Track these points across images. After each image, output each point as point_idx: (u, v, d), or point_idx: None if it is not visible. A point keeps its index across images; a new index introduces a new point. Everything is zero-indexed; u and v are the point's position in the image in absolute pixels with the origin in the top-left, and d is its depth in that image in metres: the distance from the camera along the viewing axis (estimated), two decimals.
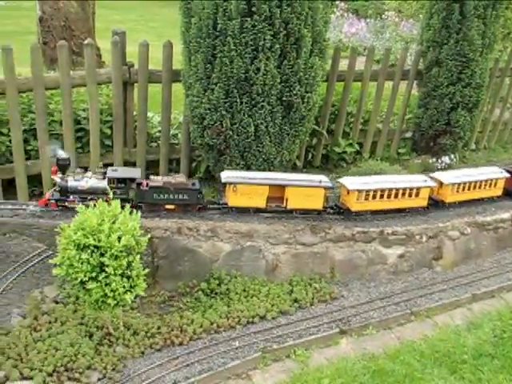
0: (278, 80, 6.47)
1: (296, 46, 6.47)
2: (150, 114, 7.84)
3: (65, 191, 5.94)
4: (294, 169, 7.97)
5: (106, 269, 4.67)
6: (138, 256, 4.86)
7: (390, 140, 9.28)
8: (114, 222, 4.77)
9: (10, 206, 6.11)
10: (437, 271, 6.88)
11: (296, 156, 7.55)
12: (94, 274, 4.70)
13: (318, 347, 5.59)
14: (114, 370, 4.93)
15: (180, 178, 6.14)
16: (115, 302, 4.81)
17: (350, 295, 6.27)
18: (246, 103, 6.51)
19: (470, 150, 10.11)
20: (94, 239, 4.65)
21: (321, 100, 7.75)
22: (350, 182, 6.60)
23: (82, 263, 4.66)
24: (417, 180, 6.90)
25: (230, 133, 6.58)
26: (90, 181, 5.97)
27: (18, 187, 6.90)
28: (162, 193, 6.01)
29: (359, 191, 6.47)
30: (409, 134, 9.40)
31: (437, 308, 6.25)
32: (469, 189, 7.29)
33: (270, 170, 6.82)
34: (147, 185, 6.01)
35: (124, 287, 4.78)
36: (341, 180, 6.74)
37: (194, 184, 6.14)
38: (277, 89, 6.50)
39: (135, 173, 6.10)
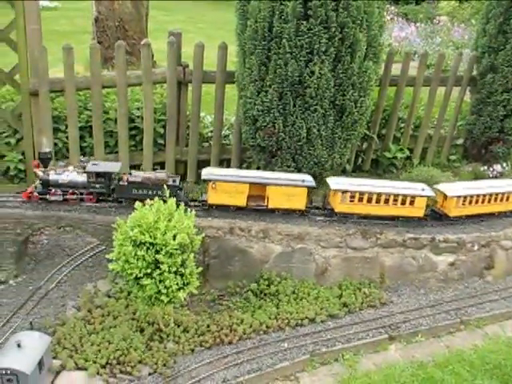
0: (332, 84, 6.46)
1: (351, 49, 6.44)
2: (201, 114, 7.92)
3: (46, 184, 6.06)
4: (344, 172, 7.94)
5: (161, 266, 4.74)
6: (192, 254, 4.93)
7: (441, 146, 9.16)
8: (169, 220, 4.85)
9: None
10: (488, 281, 6.76)
11: (346, 160, 7.52)
12: (148, 271, 4.78)
13: (366, 352, 5.57)
14: (164, 365, 5.00)
15: (160, 174, 6.15)
16: (168, 298, 4.88)
17: (400, 301, 6.22)
18: (299, 106, 6.52)
19: None
20: (150, 236, 4.73)
21: (373, 104, 7.71)
22: (335, 181, 6.40)
23: (137, 259, 4.75)
24: (414, 188, 6.50)
25: (282, 135, 6.60)
26: (70, 175, 6.08)
27: None
28: (140, 188, 6.04)
29: (343, 192, 6.27)
30: (460, 141, 9.27)
31: (487, 318, 6.16)
32: (477, 202, 6.73)
33: (320, 174, 6.81)
34: (127, 180, 6.07)
35: (177, 284, 4.84)
36: (327, 179, 6.53)
37: (174, 181, 6.14)
38: (330, 92, 6.49)
39: (114, 167, 6.14)
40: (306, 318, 5.71)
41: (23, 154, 7.19)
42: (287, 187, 6.15)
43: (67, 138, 7.26)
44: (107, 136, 7.45)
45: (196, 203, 6.29)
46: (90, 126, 7.30)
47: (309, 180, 6.25)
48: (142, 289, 4.89)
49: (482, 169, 8.85)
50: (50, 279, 6.08)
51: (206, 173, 6.16)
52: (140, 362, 4.99)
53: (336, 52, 6.38)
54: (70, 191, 6.04)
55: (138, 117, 7.53)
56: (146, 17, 11.93)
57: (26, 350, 4.51)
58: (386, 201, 6.34)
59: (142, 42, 7.12)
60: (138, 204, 4.97)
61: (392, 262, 6.34)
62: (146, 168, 7.29)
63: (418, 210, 6.48)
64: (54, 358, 4.91)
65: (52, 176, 6.03)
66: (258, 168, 7.29)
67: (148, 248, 4.75)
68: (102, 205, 6.09)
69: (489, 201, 6.81)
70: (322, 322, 5.74)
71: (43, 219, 5.91)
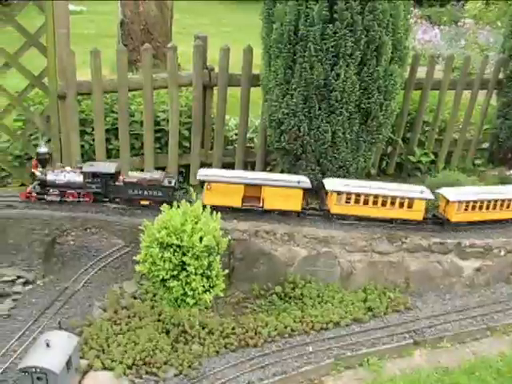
0: (357, 87, 6.44)
1: (376, 53, 6.42)
2: (226, 117, 7.96)
3: (44, 185, 6.13)
4: (368, 176, 7.92)
5: (187, 268, 4.78)
6: (218, 257, 4.96)
7: (466, 150, 9.08)
8: (196, 223, 4.88)
9: None
10: None
11: (371, 163, 7.50)
12: (175, 273, 4.82)
13: (391, 357, 5.55)
14: (189, 367, 5.02)
15: (156, 175, 6.19)
16: (194, 300, 4.92)
17: (425, 306, 6.17)
18: (324, 109, 6.52)
19: None
20: (177, 238, 4.77)
21: (398, 108, 7.67)
22: (331, 182, 6.35)
23: (164, 261, 4.79)
24: (413, 190, 6.39)
25: (307, 138, 6.61)
26: (67, 175, 6.14)
27: None
28: (136, 188, 6.10)
29: (339, 193, 6.20)
30: (486, 145, 9.19)
31: None
32: (481, 208, 6.51)
33: (345, 177, 6.80)
34: (123, 180, 6.13)
35: (203, 287, 4.88)
36: (324, 180, 6.50)
37: (169, 182, 6.16)
38: (355, 96, 6.48)
39: (110, 168, 6.18)
40: (331, 321, 5.70)
41: (50, 155, 7.27)
42: (282, 188, 6.12)
43: (93, 140, 7.34)
44: (133, 138, 7.52)
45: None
46: (116, 129, 7.38)
47: (304, 181, 6.21)
48: (169, 291, 4.93)
49: (507, 173, 8.76)
50: (77, 280, 6.15)
51: (202, 173, 6.18)
52: (166, 363, 5.02)
53: (361, 55, 6.36)
54: (68, 191, 6.12)
55: (164, 119, 7.59)
56: (171, 20, 12.03)
57: (54, 350, 4.58)
58: (384, 203, 6.26)
59: (168, 46, 7.18)
60: (164, 206, 5.01)
61: (417, 267, 6.29)
62: (171, 171, 7.34)
63: (417, 213, 6.36)
64: (82, 357, 4.97)
65: (49, 176, 6.11)
66: (282, 171, 7.31)
67: (175, 250, 4.79)
68: (129, 207, 6.14)
69: (494, 207, 6.60)
70: (346, 325, 5.73)
71: (70, 220, 5.99)
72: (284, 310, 5.79)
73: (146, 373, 4.94)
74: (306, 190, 6.23)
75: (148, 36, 11.38)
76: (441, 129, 8.82)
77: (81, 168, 6.15)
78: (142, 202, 6.18)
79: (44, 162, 6.21)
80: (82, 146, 7.36)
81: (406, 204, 6.28)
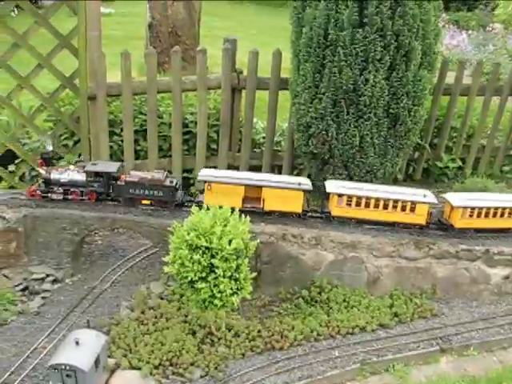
0: (386, 92, 6.43)
1: (406, 58, 6.40)
2: (254, 120, 7.99)
3: (48, 183, 6.20)
4: (395, 181, 7.89)
5: (216, 270, 4.81)
6: (246, 260, 4.98)
7: (494, 157, 8.99)
8: (225, 225, 4.91)
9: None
10: None
11: (398, 169, 7.47)
12: (203, 275, 4.85)
13: (416, 364, 5.52)
14: (216, 368, 5.06)
15: (157, 175, 6.20)
16: (221, 302, 4.95)
17: (451, 313, 6.13)
18: (352, 114, 6.52)
19: None
20: (206, 240, 4.80)
21: (426, 113, 7.64)
22: (333, 185, 6.28)
23: (193, 263, 4.82)
24: (416, 194, 6.29)
25: (335, 142, 6.61)
26: (71, 174, 6.20)
27: None
28: (137, 188, 6.12)
29: (340, 195, 6.13)
30: None
31: None
32: (487, 216, 6.35)
33: (372, 182, 6.78)
34: (124, 180, 6.16)
35: (231, 289, 4.90)
36: (326, 182, 6.44)
37: (171, 181, 6.18)
38: (384, 101, 6.46)
39: (112, 167, 6.23)
40: (357, 326, 5.69)
41: (80, 155, 7.38)
42: (283, 190, 6.10)
43: (122, 141, 7.42)
44: (161, 140, 7.59)
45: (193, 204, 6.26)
46: (145, 130, 7.45)
47: (305, 183, 6.18)
48: (197, 292, 4.97)
49: None
50: (105, 279, 6.23)
51: (202, 174, 6.18)
52: (192, 364, 5.06)
53: (391, 60, 6.35)
54: (71, 190, 6.19)
55: (192, 122, 7.64)
56: (198, 22, 12.11)
57: (83, 348, 4.64)
58: (385, 206, 6.20)
59: (198, 48, 7.22)
60: (194, 208, 5.04)
61: (444, 273, 6.25)
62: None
63: (420, 218, 6.28)
64: (109, 356, 5.03)
65: (54, 175, 6.19)
66: (309, 175, 7.31)
67: (204, 252, 4.82)
68: (157, 208, 6.19)
69: (501, 215, 6.43)
70: (372, 331, 5.72)
71: (99, 221, 6.05)
72: (310, 314, 5.79)
73: (173, 373, 4.99)
74: (307, 192, 6.22)
75: (176, 38, 11.47)
76: (469, 135, 8.75)
77: (84, 167, 6.23)
78: (144, 202, 6.21)
79: (48, 160, 6.29)
80: (111, 147, 7.44)
81: (408, 208, 6.22)
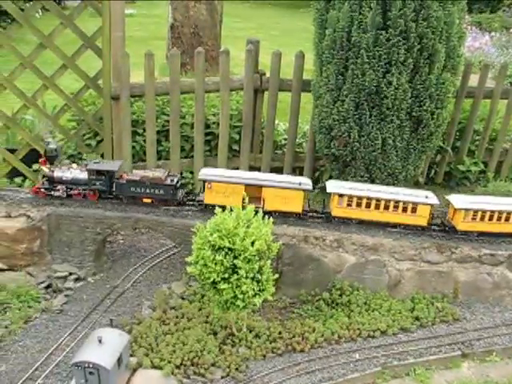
0: (409, 95, 6.41)
1: (429, 60, 6.38)
2: (275, 122, 8.00)
3: (51, 181, 6.25)
4: (417, 185, 7.86)
5: (239, 271, 4.82)
6: (269, 261, 4.99)
7: None
8: (248, 227, 4.92)
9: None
10: None
11: (420, 172, 7.44)
12: (226, 276, 4.86)
13: (438, 368, 5.48)
14: (237, 369, 5.06)
15: (158, 173, 6.21)
16: (244, 304, 4.95)
17: (473, 318, 6.08)
18: (375, 116, 6.51)
19: None
20: (229, 242, 4.81)
21: (449, 116, 7.60)
22: (333, 185, 6.25)
23: (215, 264, 4.83)
24: (417, 195, 6.22)
25: (357, 145, 6.60)
26: (73, 172, 6.24)
27: None
28: (138, 186, 6.15)
29: (340, 195, 6.10)
30: None
31: None
32: (491, 219, 6.25)
33: (394, 185, 6.76)
34: (126, 178, 6.20)
35: (253, 290, 4.91)
36: (326, 182, 6.42)
37: (172, 180, 6.20)
38: (407, 103, 6.45)
39: (114, 166, 6.27)
40: (378, 329, 5.67)
41: (102, 155, 7.44)
42: (283, 189, 6.08)
43: (144, 141, 7.47)
44: (183, 140, 7.63)
45: (193, 203, 6.36)
46: (167, 131, 7.50)
47: (306, 183, 6.16)
48: (219, 293, 4.98)
49: None
50: (126, 278, 6.27)
51: (202, 173, 6.19)
52: (213, 364, 5.07)
53: (414, 63, 6.33)
54: (73, 188, 6.24)
55: (214, 123, 7.67)
56: (220, 23, 12.15)
57: (106, 346, 4.66)
58: (386, 207, 6.15)
59: (221, 50, 7.26)
60: (217, 209, 5.06)
61: (466, 278, 6.21)
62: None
63: (421, 219, 6.23)
64: (131, 355, 5.05)
65: (56, 173, 6.25)
66: (331, 177, 7.30)
67: (226, 253, 4.83)
68: (180, 208, 6.22)
69: (506, 219, 6.33)
70: (393, 334, 5.69)
71: (122, 220, 6.10)
72: (331, 317, 5.78)
73: (194, 373, 4.99)
74: (308, 192, 6.22)
75: (197, 39, 11.52)
76: (491, 138, 8.68)
77: (86, 165, 6.28)
78: (145, 200, 6.24)
79: (52, 159, 6.35)
80: (133, 147, 7.50)
81: (409, 209, 6.17)
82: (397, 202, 6.14)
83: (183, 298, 5.93)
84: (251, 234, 4.84)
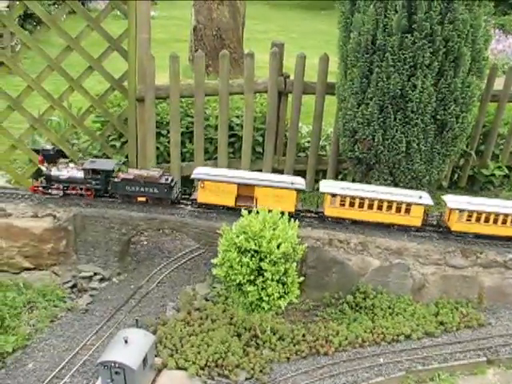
0: (434, 98, 6.39)
1: (454, 64, 6.36)
2: (299, 124, 8.01)
3: (49, 180, 6.32)
4: (440, 188, 7.82)
5: (264, 273, 4.83)
6: (294, 264, 5.00)
7: None
8: (274, 229, 4.93)
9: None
10: None
11: (444, 175, 7.40)
12: (252, 278, 4.87)
13: (462, 374, 5.44)
14: (261, 371, 5.07)
15: (153, 172, 6.24)
16: (269, 306, 4.96)
17: (499, 324, 6.02)
18: (399, 119, 6.49)
19: None
20: (255, 244, 4.82)
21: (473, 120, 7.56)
22: (326, 184, 6.22)
23: (241, 266, 4.85)
24: (411, 195, 6.15)
25: (381, 148, 6.59)
26: (70, 171, 6.30)
27: None
28: (133, 185, 6.19)
29: (333, 195, 6.05)
30: None
31: None
32: (487, 221, 6.15)
33: (417, 188, 6.74)
34: (120, 177, 6.24)
35: (279, 293, 4.92)
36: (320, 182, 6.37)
37: (166, 179, 6.22)
38: (432, 107, 6.42)
39: (109, 165, 6.32)
40: (402, 333, 5.65)
41: (127, 156, 7.50)
42: (275, 189, 6.07)
43: (168, 142, 7.52)
44: (207, 142, 7.67)
45: (186, 201, 6.39)
46: (191, 132, 7.55)
47: (299, 183, 6.14)
48: (244, 295, 5.00)
49: None
50: (151, 279, 6.32)
51: (196, 172, 6.22)
52: (237, 366, 5.08)
53: (439, 66, 6.32)
54: (70, 187, 6.32)
55: (238, 125, 7.70)
56: (242, 26, 12.19)
57: (132, 346, 4.70)
58: (380, 207, 6.10)
59: (246, 52, 7.29)
60: (244, 212, 5.08)
61: (491, 283, 6.16)
62: None
63: (415, 219, 6.16)
64: (156, 356, 5.09)
65: (54, 172, 6.33)
66: (354, 180, 7.29)
67: (252, 255, 4.85)
68: (204, 210, 6.25)
69: (503, 222, 6.21)
70: (418, 339, 5.66)
71: (147, 221, 6.14)
72: (355, 320, 5.77)
73: (218, 375, 5.02)
74: (300, 191, 6.22)
75: (220, 42, 11.57)
76: None
77: (83, 164, 6.35)
78: (139, 199, 6.28)
79: (49, 158, 6.40)
80: (157, 148, 7.55)
81: (403, 209, 6.12)
82: (390, 202, 6.10)
83: (207, 300, 5.95)
84: (277, 236, 4.85)
